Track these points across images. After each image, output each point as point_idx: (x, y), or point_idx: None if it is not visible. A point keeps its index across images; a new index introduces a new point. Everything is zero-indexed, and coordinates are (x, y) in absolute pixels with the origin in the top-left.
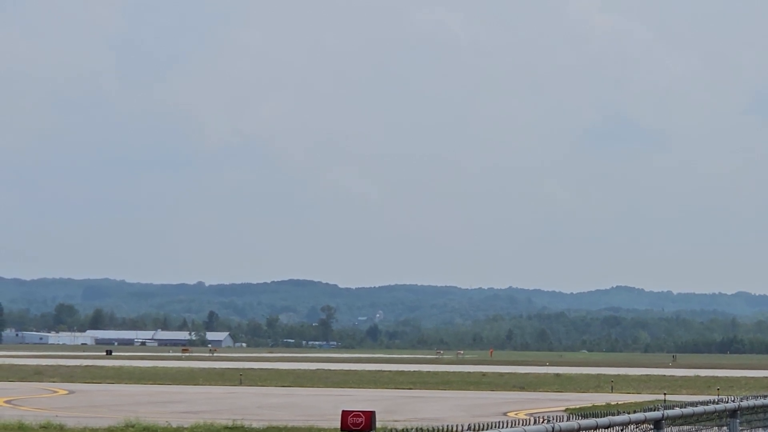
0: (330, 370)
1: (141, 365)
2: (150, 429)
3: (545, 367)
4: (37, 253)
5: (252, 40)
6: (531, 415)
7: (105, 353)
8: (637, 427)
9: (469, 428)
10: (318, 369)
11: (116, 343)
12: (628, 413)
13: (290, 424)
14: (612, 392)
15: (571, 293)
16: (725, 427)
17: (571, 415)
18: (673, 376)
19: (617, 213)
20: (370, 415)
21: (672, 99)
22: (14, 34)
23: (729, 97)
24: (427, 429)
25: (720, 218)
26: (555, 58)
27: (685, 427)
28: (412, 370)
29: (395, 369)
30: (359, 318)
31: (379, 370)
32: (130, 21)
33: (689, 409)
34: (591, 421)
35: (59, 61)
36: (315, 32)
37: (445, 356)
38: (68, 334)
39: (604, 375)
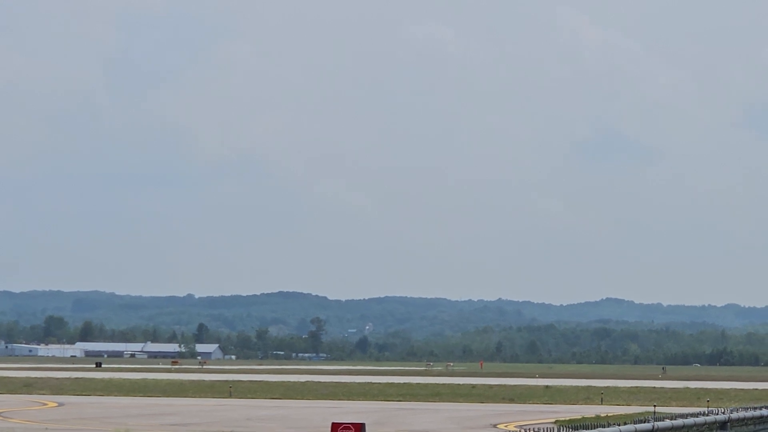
0: (320, 382)
1: (131, 377)
2: None
3: (535, 379)
4: (26, 265)
5: (244, 55)
6: (521, 427)
7: (95, 365)
8: None
9: None
10: (308, 381)
11: (106, 356)
12: (618, 425)
13: None
14: (602, 404)
15: (561, 305)
16: None
17: (561, 428)
18: (662, 388)
19: (607, 225)
20: (360, 427)
21: (663, 112)
22: (6, 49)
23: (720, 111)
24: None
25: (710, 231)
26: (546, 71)
27: None
28: (401, 382)
29: (385, 381)
30: (349, 330)
31: (368, 382)
32: (122, 36)
33: (679, 421)
34: None
35: (51, 75)
36: (307, 46)
37: (434, 368)
38: (58, 346)
39: (594, 387)
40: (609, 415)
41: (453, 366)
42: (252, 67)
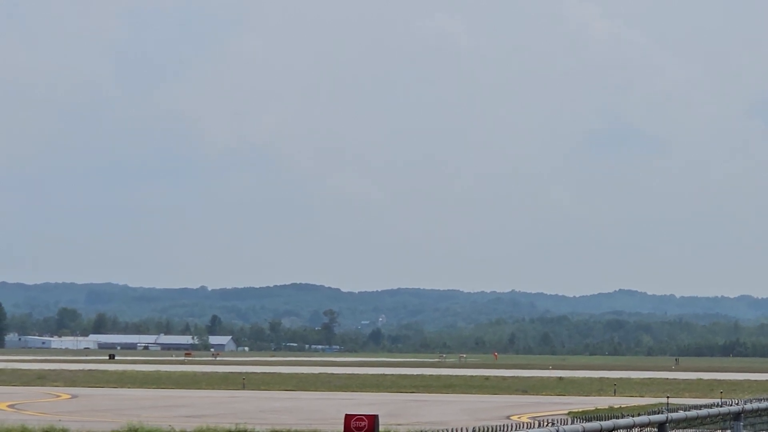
0: (333, 374)
1: (144, 369)
2: None
3: (548, 371)
4: (40, 257)
5: (254, 47)
6: (534, 418)
7: (108, 357)
8: (641, 430)
9: None
10: (321, 373)
11: (119, 348)
12: (633, 416)
13: (293, 428)
14: (615, 395)
15: (574, 297)
16: (729, 431)
17: (574, 419)
18: (676, 379)
19: (619, 217)
20: (374, 419)
21: (672, 103)
22: (16, 42)
23: (730, 101)
24: None
25: (722, 221)
26: (555, 63)
27: (689, 430)
28: (415, 373)
29: (398, 373)
30: (362, 322)
31: (382, 374)
32: (131, 28)
33: (693, 412)
34: (595, 424)
35: (61, 67)
36: (316, 39)
37: (447, 360)
38: (71, 338)
39: (607, 378)
40: (622, 406)
41: (466, 357)
42: (263, 59)
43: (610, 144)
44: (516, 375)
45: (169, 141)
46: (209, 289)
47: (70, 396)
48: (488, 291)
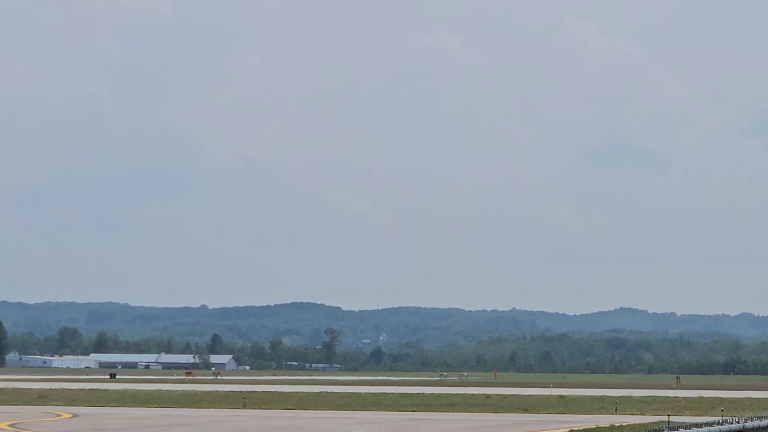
0: (334, 392)
1: (145, 388)
2: None
3: (549, 389)
4: (40, 277)
5: (252, 64)
6: None
7: (109, 377)
8: None
9: None
10: (322, 392)
11: (120, 367)
12: None
13: None
14: (616, 414)
15: (575, 315)
16: None
17: None
18: (677, 397)
19: (620, 234)
20: None
21: (671, 120)
22: (13, 59)
23: (728, 118)
24: None
25: (723, 239)
26: (554, 80)
27: None
28: (415, 392)
29: (399, 391)
30: (363, 340)
31: (382, 393)
32: (130, 45)
33: (694, 431)
34: None
35: (60, 85)
36: (315, 55)
37: (448, 378)
38: (72, 357)
39: (608, 396)
40: (623, 424)
41: (467, 376)
42: (261, 75)
43: (610, 160)
44: (517, 393)
45: (168, 159)
46: (210, 308)
47: (71, 415)
48: (489, 309)
